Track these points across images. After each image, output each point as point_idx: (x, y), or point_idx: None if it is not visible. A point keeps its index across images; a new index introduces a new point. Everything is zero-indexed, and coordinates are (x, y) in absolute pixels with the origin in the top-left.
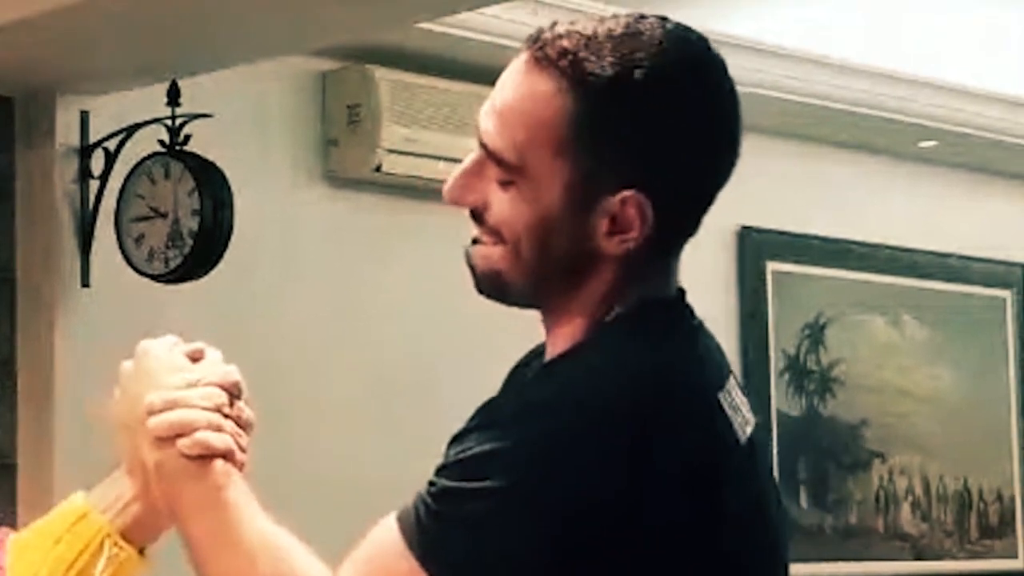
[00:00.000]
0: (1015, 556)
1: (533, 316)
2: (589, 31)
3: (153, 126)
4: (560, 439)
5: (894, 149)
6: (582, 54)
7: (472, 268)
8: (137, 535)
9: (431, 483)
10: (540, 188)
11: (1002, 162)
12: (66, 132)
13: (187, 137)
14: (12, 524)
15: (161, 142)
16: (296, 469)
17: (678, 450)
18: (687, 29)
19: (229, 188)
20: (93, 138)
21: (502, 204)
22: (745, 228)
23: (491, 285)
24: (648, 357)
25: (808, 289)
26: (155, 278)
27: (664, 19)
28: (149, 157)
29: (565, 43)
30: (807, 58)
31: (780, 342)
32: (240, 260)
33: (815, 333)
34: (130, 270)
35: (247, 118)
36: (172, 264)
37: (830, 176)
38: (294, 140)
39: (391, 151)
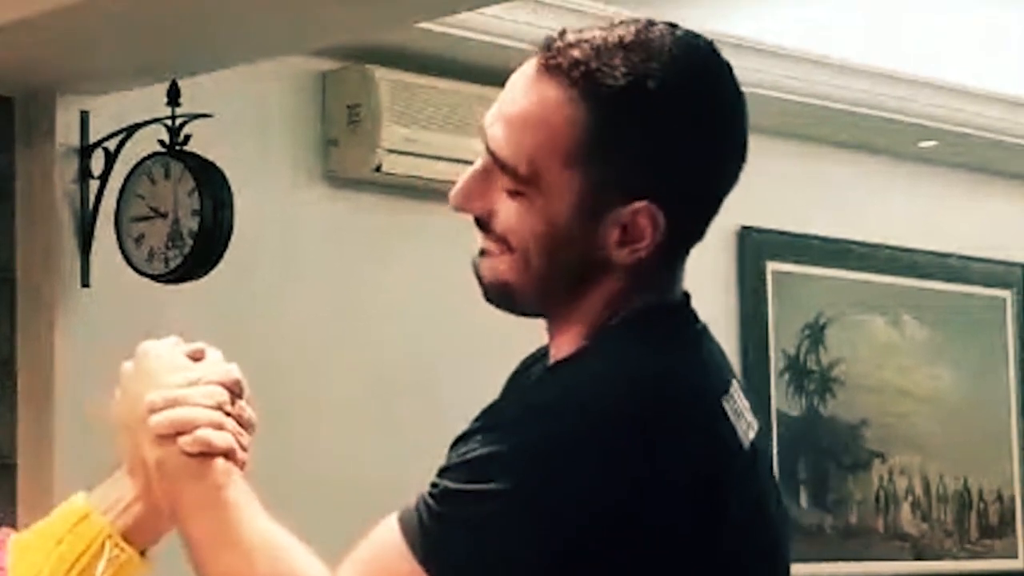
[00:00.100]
0: (1015, 556)
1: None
2: (600, 40)
3: (153, 126)
4: (562, 442)
5: (894, 149)
6: (594, 64)
7: (480, 279)
8: (138, 536)
9: (433, 485)
10: (550, 198)
11: (1002, 162)
12: (66, 132)
13: (187, 137)
14: (12, 524)
15: (161, 142)
16: (296, 469)
17: (680, 454)
18: (696, 36)
19: (229, 188)
20: (93, 138)
21: (510, 213)
22: (745, 228)
23: (499, 295)
24: (651, 362)
25: (808, 289)
26: (155, 278)
27: (673, 26)
28: (149, 157)
29: (576, 53)
30: (807, 58)
31: (780, 342)
32: (240, 260)
33: (815, 333)
34: (130, 270)
35: (247, 118)
36: (172, 264)
37: (830, 176)
38: (294, 140)
39: (391, 151)
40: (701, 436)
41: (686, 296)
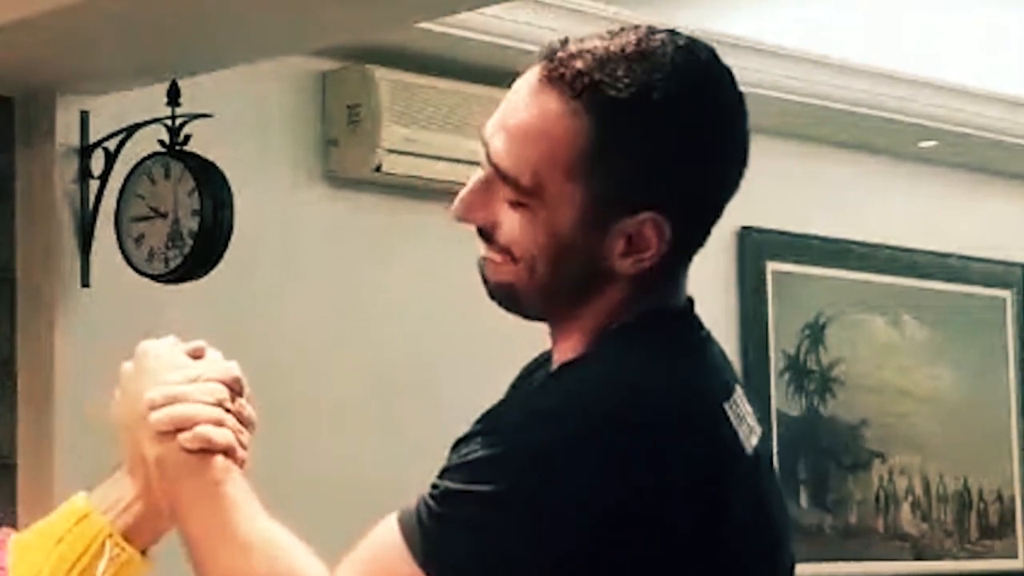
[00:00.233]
0: (1015, 556)
1: None
2: (602, 50)
3: (153, 126)
4: (563, 445)
5: (894, 149)
6: (597, 75)
7: (485, 280)
8: (138, 536)
9: (434, 486)
10: (554, 210)
11: (1002, 162)
12: (66, 132)
13: (187, 137)
14: (12, 524)
15: (161, 142)
16: (296, 469)
17: (680, 457)
18: (697, 43)
19: (229, 188)
20: (93, 138)
21: (513, 224)
22: (745, 228)
23: (504, 297)
24: (653, 367)
25: (808, 289)
26: (155, 278)
27: (674, 33)
28: (149, 157)
29: (579, 64)
30: (807, 58)
31: (780, 342)
32: (240, 260)
33: (815, 333)
34: (130, 270)
35: (247, 118)
36: (172, 264)
37: (830, 176)
38: (294, 140)
39: (391, 151)
40: (702, 439)
41: (690, 302)
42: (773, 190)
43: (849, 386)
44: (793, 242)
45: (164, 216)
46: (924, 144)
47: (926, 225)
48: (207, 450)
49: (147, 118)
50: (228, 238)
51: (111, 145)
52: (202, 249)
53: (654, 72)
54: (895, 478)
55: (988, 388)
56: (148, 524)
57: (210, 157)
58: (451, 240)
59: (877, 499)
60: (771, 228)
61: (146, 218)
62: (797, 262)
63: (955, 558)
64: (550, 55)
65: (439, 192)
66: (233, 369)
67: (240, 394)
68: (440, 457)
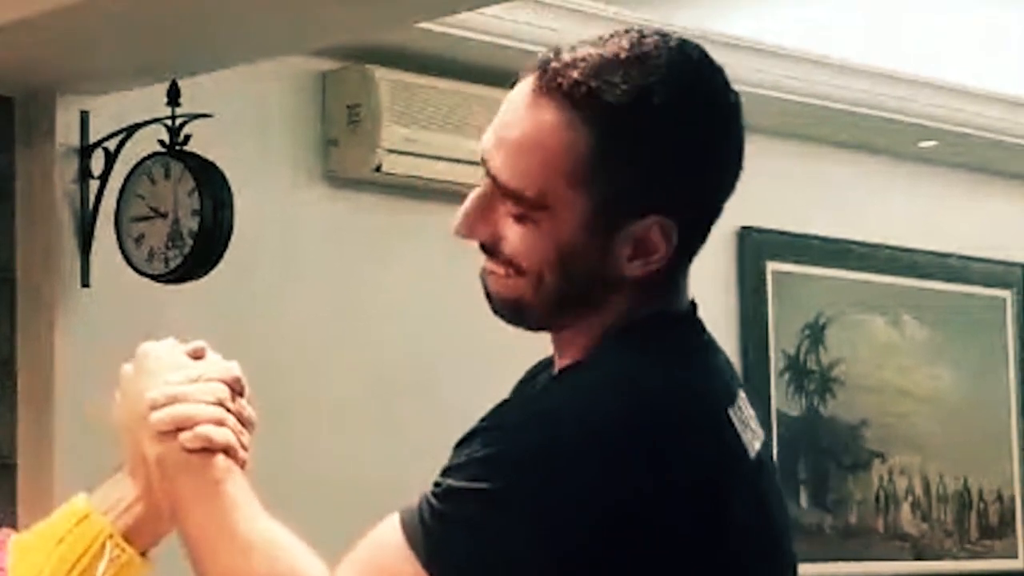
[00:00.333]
0: (1015, 556)
1: None
2: (596, 58)
3: (153, 126)
4: (564, 446)
5: (894, 149)
6: (595, 83)
7: (488, 293)
8: (139, 537)
9: (436, 484)
10: (560, 220)
11: (1002, 162)
12: (66, 132)
13: (187, 137)
14: (12, 524)
15: (161, 142)
16: (296, 469)
17: (682, 459)
18: (688, 44)
19: (229, 188)
20: (93, 138)
21: (518, 237)
22: (745, 228)
23: (510, 311)
24: (655, 370)
25: (808, 289)
26: (155, 278)
27: (663, 35)
28: (149, 157)
29: (575, 73)
30: (807, 58)
31: (780, 342)
32: (240, 260)
33: (815, 333)
34: (130, 270)
35: (247, 118)
36: (172, 264)
37: (830, 176)
38: (294, 140)
39: (391, 151)
40: (704, 442)
41: (693, 305)
42: (773, 190)
43: (849, 386)
44: (793, 242)
45: (164, 216)
46: (924, 144)
47: (926, 225)
48: (208, 449)
49: (147, 118)
50: (228, 238)
51: (111, 145)
52: (202, 249)
53: (650, 76)
54: (895, 478)
55: (988, 388)
56: (148, 525)
57: (210, 157)
58: (451, 240)
59: (877, 499)
60: (771, 228)
61: (146, 218)
62: (797, 262)
63: (955, 558)
64: (544, 66)
65: (439, 192)
66: (233, 369)
67: (241, 394)
68: (440, 457)
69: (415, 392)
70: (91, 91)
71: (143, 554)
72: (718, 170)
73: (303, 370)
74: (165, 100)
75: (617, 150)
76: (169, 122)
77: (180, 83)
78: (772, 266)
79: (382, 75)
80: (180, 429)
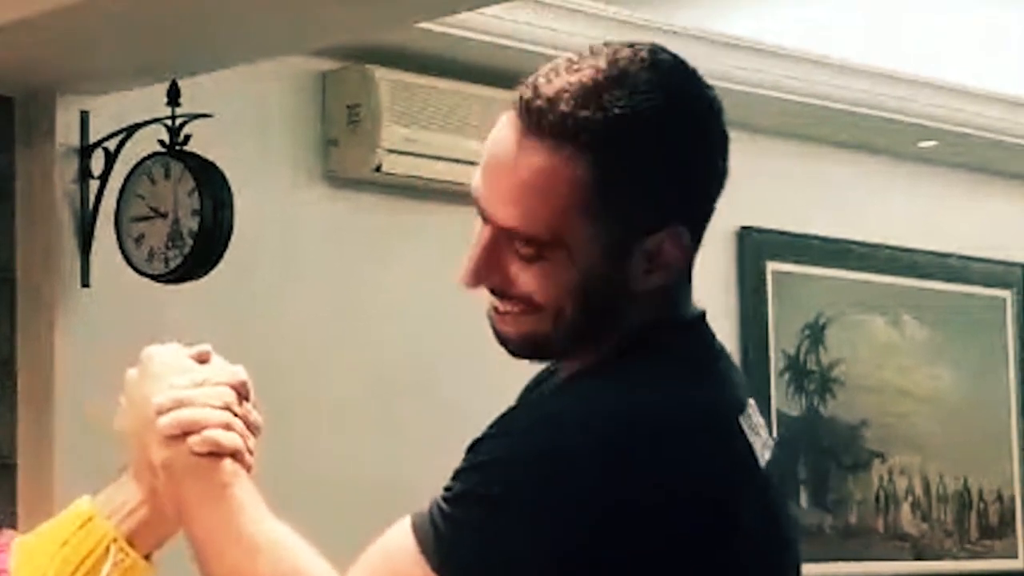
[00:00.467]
0: (1015, 556)
1: None
2: (577, 86)
3: (153, 126)
4: (567, 451)
5: (894, 149)
6: (583, 112)
7: (500, 334)
8: (142, 540)
9: (446, 488)
10: (577, 252)
11: (1002, 162)
12: (66, 132)
13: (187, 137)
14: (12, 524)
15: (161, 142)
16: (296, 469)
17: (687, 468)
18: (658, 49)
19: (229, 188)
20: (93, 138)
21: (534, 277)
22: (745, 228)
23: (529, 347)
24: (664, 379)
25: (808, 289)
26: (155, 278)
27: (634, 47)
28: (149, 157)
29: (562, 107)
30: (807, 58)
31: (780, 342)
32: (240, 260)
33: (815, 333)
34: (130, 270)
35: (247, 118)
36: (172, 264)
37: (830, 176)
38: (294, 140)
39: (391, 151)
40: (710, 450)
41: (703, 313)
42: (773, 190)
43: (849, 386)
44: (793, 242)
45: (164, 216)
46: (924, 144)
47: (926, 225)
48: (215, 453)
49: (147, 118)
50: (228, 238)
51: (111, 145)
52: (202, 249)
53: (636, 91)
54: (895, 478)
55: (988, 388)
56: (152, 529)
57: (210, 157)
58: (451, 240)
59: (877, 499)
60: (771, 228)
61: (146, 218)
62: (797, 262)
63: (955, 558)
64: (526, 106)
65: (439, 192)
66: (240, 373)
67: (247, 398)
68: (440, 457)
69: (415, 392)
70: (91, 91)
71: (146, 557)
72: (713, 168)
73: (303, 370)
74: (165, 100)
75: (619, 171)
76: (169, 122)
77: (180, 83)
78: (772, 266)
79: (382, 75)
80: (188, 433)
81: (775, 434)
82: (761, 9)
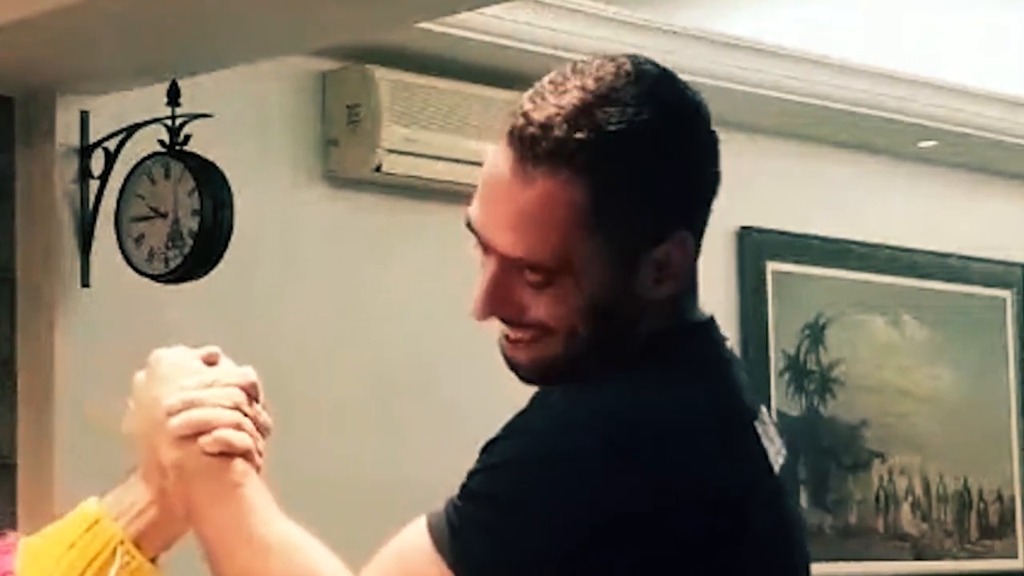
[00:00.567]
0: (1015, 556)
1: None
2: (568, 108)
3: (153, 126)
4: (575, 450)
5: (894, 149)
6: (577, 135)
7: (512, 362)
8: (149, 542)
9: (461, 487)
10: (586, 273)
11: (1002, 162)
12: (66, 132)
13: (187, 137)
14: (12, 524)
15: (161, 142)
16: (296, 469)
17: (701, 472)
18: (638, 60)
19: (229, 188)
20: (93, 138)
21: (545, 303)
22: (745, 228)
23: (545, 370)
24: (673, 383)
25: (808, 289)
26: (155, 278)
27: (615, 60)
28: (149, 157)
29: (555, 132)
30: (807, 58)
31: (780, 342)
32: (240, 260)
33: (815, 333)
34: (130, 270)
35: (247, 118)
36: (172, 264)
37: (830, 176)
38: (294, 140)
39: (391, 151)
40: (719, 454)
41: (711, 319)
42: (773, 190)
43: (849, 386)
44: (793, 242)
45: (164, 216)
46: (924, 144)
47: (926, 225)
48: (227, 454)
49: (147, 118)
50: (228, 238)
51: (111, 145)
52: (202, 249)
53: (625, 106)
54: (895, 478)
55: (988, 388)
56: (160, 531)
57: (210, 157)
58: (451, 240)
59: (877, 499)
60: (771, 228)
61: (146, 218)
62: (797, 262)
63: (955, 558)
64: (519, 135)
65: (439, 192)
66: (249, 374)
67: (256, 399)
68: (440, 457)
69: (415, 392)
70: (91, 91)
71: (152, 560)
72: (708, 171)
73: (303, 370)
74: (165, 100)
75: (618, 188)
76: (169, 122)
77: (180, 83)
78: (772, 266)
79: (382, 75)
80: (199, 433)
81: None
82: (761, 9)
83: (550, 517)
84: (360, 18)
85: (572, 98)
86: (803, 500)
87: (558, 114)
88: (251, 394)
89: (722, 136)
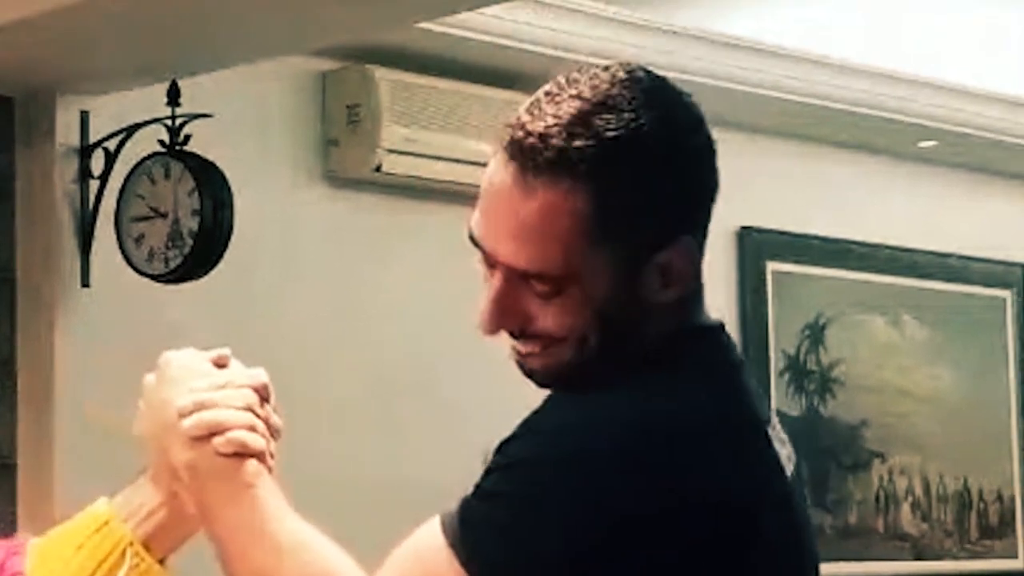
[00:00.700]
0: (1015, 556)
1: None
2: (566, 118)
3: (153, 126)
4: (588, 452)
5: (894, 149)
6: (576, 144)
7: (527, 370)
8: (158, 544)
9: (476, 487)
10: (592, 281)
11: (1002, 162)
12: (66, 132)
13: (187, 137)
14: (12, 524)
15: (161, 142)
16: (296, 469)
17: (705, 474)
18: (631, 67)
19: (229, 188)
20: (93, 138)
21: (553, 314)
22: (745, 228)
23: (559, 376)
24: (682, 387)
25: (808, 289)
26: (155, 278)
27: (608, 69)
28: (149, 157)
29: (555, 142)
30: (807, 58)
31: (780, 342)
32: (240, 260)
33: (815, 333)
34: (130, 270)
35: (247, 118)
36: (172, 264)
37: (830, 176)
38: (294, 140)
39: (391, 151)
40: (727, 457)
41: (720, 323)
42: (773, 190)
43: (849, 386)
44: (793, 242)
45: (164, 216)
46: (924, 144)
47: (926, 225)
48: (240, 454)
49: (147, 118)
50: (228, 238)
51: (111, 145)
52: (202, 249)
53: (622, 112)
54: (895, 478)
55: (988, 388)
56: (169, 532)
57: (210, 157)
58: (451, 240)
59: (877, 499)
60: (771, 228)
61: (146, 218)
62: (797, 262)
63: (955, 558)
64: (518, 146)
65: (439, 192)
66: (261, 375)
67: (268, 400)
68: (440, 457)
69: (415, 392)
70: (91, 91)
71: (161, 561)
72: (707, 173)
73: (303, 370)
74: (165, 100)
75: (619, 194)
76: (169, 122)
77: (180, 83)
78: (772, 266)
79: (382, 75)
80: (212, 434)
81: None
82: (761, 9)
83: (563, 517)
84: (360, 18)
85: (569, 107)
86: None
87: (556, 124)
88: (263, 396)
89: (722, 136)
